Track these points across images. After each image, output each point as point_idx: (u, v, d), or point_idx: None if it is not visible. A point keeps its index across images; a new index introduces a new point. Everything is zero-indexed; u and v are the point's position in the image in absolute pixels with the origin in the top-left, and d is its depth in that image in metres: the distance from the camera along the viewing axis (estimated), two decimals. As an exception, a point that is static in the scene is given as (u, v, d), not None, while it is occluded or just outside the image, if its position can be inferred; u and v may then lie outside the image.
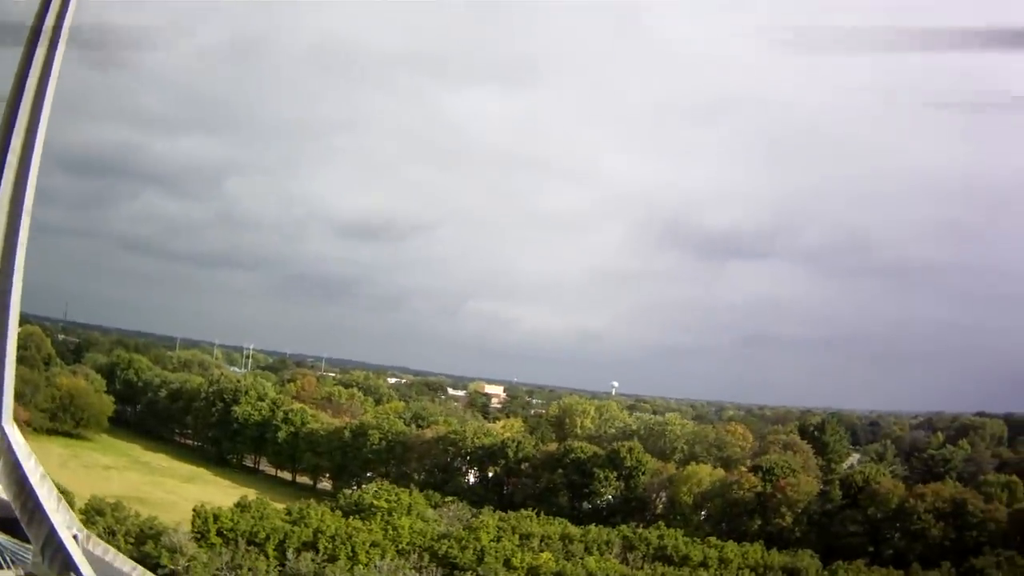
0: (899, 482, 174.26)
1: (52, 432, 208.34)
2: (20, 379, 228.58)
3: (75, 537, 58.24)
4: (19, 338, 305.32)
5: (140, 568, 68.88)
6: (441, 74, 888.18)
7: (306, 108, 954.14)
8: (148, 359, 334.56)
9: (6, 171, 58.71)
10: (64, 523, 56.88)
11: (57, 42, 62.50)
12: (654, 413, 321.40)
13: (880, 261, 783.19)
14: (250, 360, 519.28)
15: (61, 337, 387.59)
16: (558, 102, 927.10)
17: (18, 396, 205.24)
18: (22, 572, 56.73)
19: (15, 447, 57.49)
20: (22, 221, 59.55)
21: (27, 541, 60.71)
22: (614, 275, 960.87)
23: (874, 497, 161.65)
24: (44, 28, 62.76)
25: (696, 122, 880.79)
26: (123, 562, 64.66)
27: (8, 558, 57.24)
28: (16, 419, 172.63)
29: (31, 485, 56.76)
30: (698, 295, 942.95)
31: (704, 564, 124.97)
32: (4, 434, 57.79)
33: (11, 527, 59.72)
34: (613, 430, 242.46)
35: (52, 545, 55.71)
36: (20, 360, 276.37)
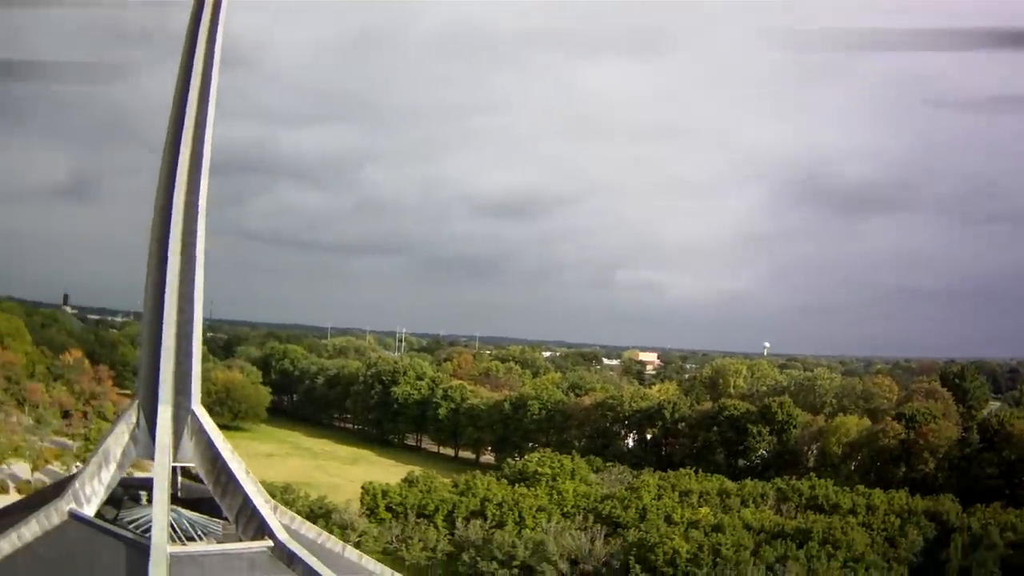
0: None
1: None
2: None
3: (264, 505, 63.64)
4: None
5: (325, 533, 73.61)
6: (573, 48, 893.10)
7: (439, 92, 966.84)
8: (302, 349, 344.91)
9: (178, 176, 63.15)
10: (255, 492, 61.91)
11: (213, 48, 66.55)
12: (805, 371, 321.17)
13: (1015, 208, 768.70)
14: (403, 344, 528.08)
15: (209, 335, 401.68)
16: (689, 69, 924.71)
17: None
18: (214, 541, 61.69)
19: (206, 426, 62.70)
20: (198, 223, 64.10)
21: (214, 516, 66.43)
22: (756, 237, 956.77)
23: (1008, 440, 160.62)
24: (199, 34, 66.61)
25: (824, 80, 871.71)
26: (308, 528, 69.31)
27: (199, 531, 62.25)
28: None
29: (224, 459, 62.03)
30: (839, 251, 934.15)
31: (853, 511, 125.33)
32: (196, 415, 62.88)
33: (193, 506, 64.81)
34: (765, 388, 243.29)
35: (246, 513, 60.77)
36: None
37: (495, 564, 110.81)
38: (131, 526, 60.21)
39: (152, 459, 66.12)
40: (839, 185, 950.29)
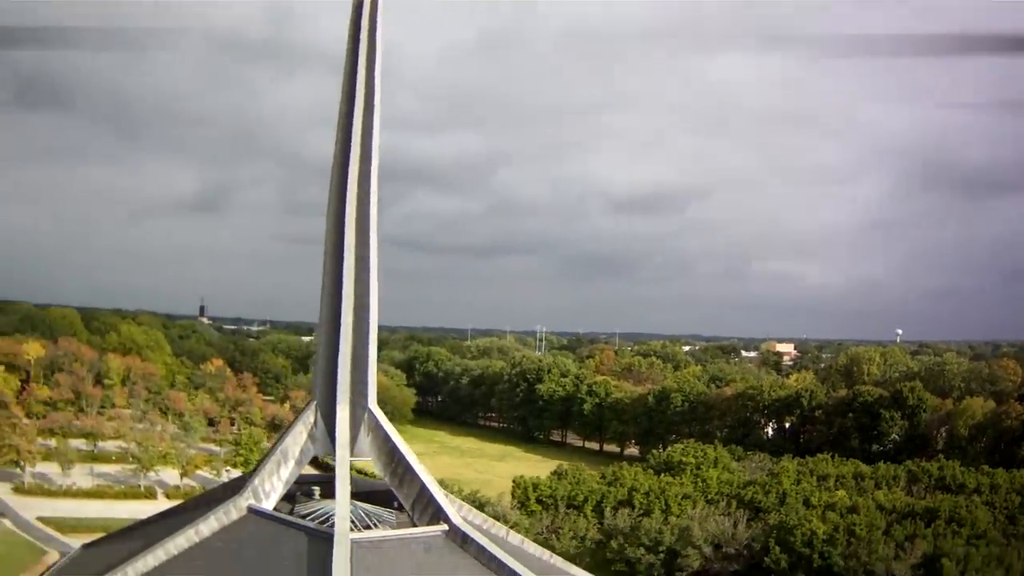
0: None
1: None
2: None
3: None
4: (314, 344, 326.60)
5: (490, 520, 79.48)
6: (697, 43, 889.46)
7: (567, 92, 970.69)
8: (446, 351, 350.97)
9: (349, 188, 69.34)
10: (430, 481, 68.59)
11: (374, 58, 72.46)
12: (935, 356, 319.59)
13: None
14: (543, 342, 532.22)
15: None
16: (811, 59, 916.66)
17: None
18: (388, 528, 68.10)
19: (382, 423, 69.54)
20: (371, 233, 69.96)
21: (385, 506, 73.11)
22: (884, 224, 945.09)
23: None
24: (359, 49, 72.37)
25: (944, 64, 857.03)
26: (475, 515, 75.19)
27: (373, 520, 68.63)
28: None
29: (400, 452, 68.86)
30: (966, 235, 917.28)
31: (977, 491, 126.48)
32: (372, 413, 69.70)
33: (364, 499, 71.19)
34: (897, 374, 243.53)
35: (422, 501, 67.27)
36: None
37: (642, 550, 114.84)
38: (308, 519, 66.95)
39: (329, 456, 73.40)
40: (964, 166, 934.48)
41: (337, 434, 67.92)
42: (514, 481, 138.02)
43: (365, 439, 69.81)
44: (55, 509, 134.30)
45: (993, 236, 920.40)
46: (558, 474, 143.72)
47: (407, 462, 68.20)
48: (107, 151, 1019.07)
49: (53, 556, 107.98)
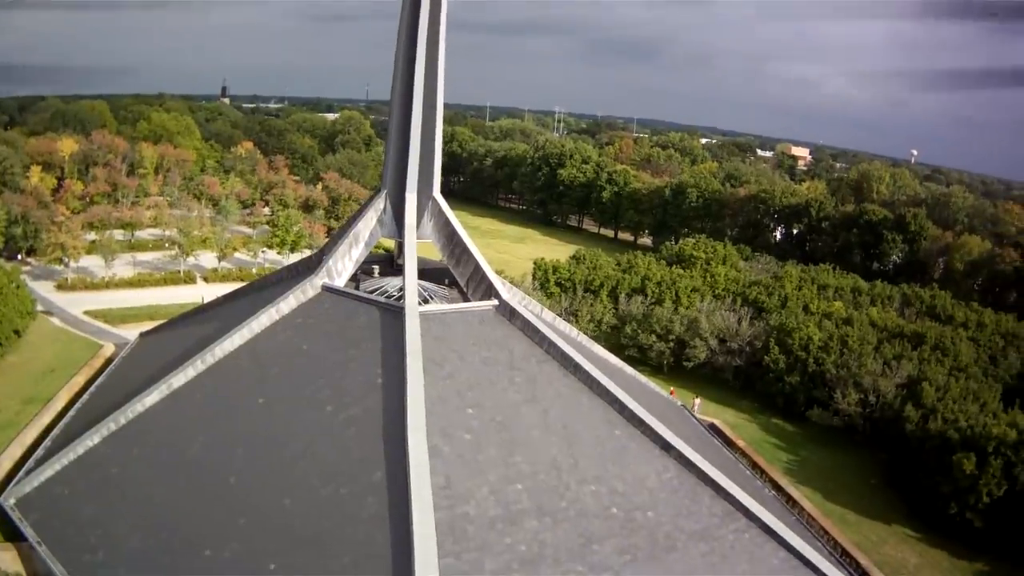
0: None
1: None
2: (348, 161, 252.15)
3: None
4: (340, 123, 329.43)
5: (528, 297, 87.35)
6: None
7: None
8: (469, 131, 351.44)
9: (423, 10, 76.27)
10: (484, 262, 76.24)
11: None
12: (948, 185, 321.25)
13: None
14: (561, 124, 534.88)
15: (372, 117, 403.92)
16: None
17: (348, 175, 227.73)
18: (445, 303, 75.98)
19: (444, 209, 76.86)
20: (441, 23, 76.46)
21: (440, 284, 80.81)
22: (913, 42, 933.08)
23: None
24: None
25: None
26: (517, 292, 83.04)
27: (430, 295, 76.31)
28: (351, 194, 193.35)
29: (460, 236, 76.23)
30: (996, 65, 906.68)
31: (964, 325, 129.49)
32: (436, 200, 76.94)
33: (424, 277, 78.36)
34: (904, 197, 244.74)
35: (476, 278, 74.54)
36: (344, 144, 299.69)
37: (654, 337, 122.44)
38: (373, 294, 73.76)
39: (394, 238, 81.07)
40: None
41: (406, 218, 74.25)
42: (535, 263, 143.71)
43: (428, 224, 77.04)
44: (100, 301, 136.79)
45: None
46: (576, 259, 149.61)
47: (464, 244, 75.79)
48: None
49: (109, 348, 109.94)
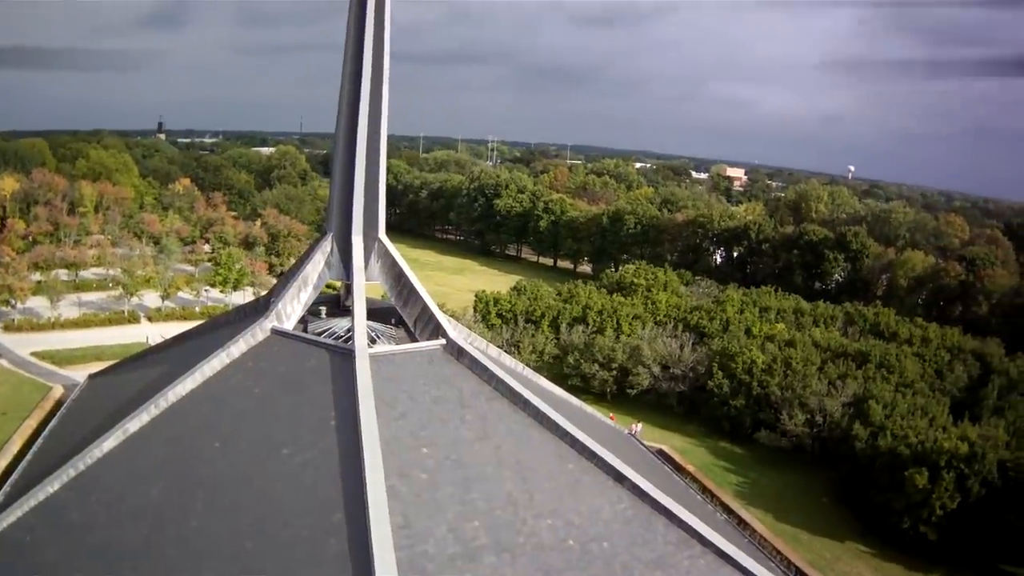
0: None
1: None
2: (285, 196, 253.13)
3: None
4: (275, 157, 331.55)
5: (473, 334, 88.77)
6: None
7: None
8: (404, 163, 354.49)
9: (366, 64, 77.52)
10: (431, 301, 77.78)
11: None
12: (887, 200, 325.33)
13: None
14: (495, 153, 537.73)
15: (307, 150, 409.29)
16: None
17: (286, 211, 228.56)
18: (393, 343, 77.25)
19: (390, 250, 78.30)
20: (384, 76, 77.78)
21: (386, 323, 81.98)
22: (849, 60, 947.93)
23: None
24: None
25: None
26: (462, 329, 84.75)
27: (378, 335, 77.56)
28: (290, 231, 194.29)
29: (406, 276, 77.73)
30: (931, 83, 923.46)
31: (909, 341, 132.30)
32: (382, 242, 78.38)
33: (370, 317, 79.55)
34: (844, 215, 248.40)
35: (424, 318, 75.89)
36: (280, 179, 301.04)
37: (596, 366, 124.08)
38: (322, 336, 74.90)
39: (342, 280, 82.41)
40: (935, 13, 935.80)
41: (354, 261, 75.88)
42: (476, 296, 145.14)
43: (375, 265, 78.61)
44: (47, 342, 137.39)
45: (959, 88, 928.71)
46: (517, 290, 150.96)
47: (412, 285, 77.36)
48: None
49: (59, 390, 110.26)
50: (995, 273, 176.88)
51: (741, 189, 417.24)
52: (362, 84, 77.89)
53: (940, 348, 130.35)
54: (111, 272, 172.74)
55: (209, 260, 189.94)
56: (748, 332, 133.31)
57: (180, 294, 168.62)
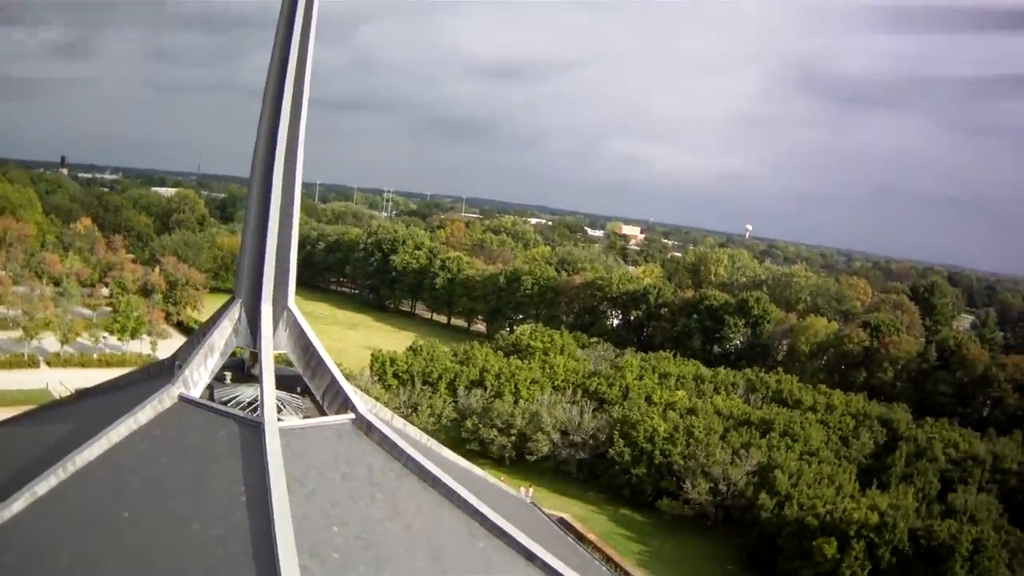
0: (985, 350, 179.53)
1: (215, 290, 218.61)
2: (183, 242, 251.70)
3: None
4: (175, 201, 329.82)
5: (379, 405, 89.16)
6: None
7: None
8: (301, 213, 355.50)
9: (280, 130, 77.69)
10: (339, 374, 78.05)
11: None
12: (785, 260, 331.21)
13: (1015, 121, 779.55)
14: (390, 203, 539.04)
15: (205, 193, 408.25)
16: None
17: (183, 259, 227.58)
18: (300, 413, 77.33)
19: (299, 320, 78.54)
20: (297, 163, 77.94)
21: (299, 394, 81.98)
22: (751, 119, 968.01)
23: (963, 362, 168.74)
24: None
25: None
26: (367, 399, 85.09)
27: (283, 403, 77.50)
28: (188, 279, 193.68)
29: (314, 347, 78.04)
30: (832, 143, 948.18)
31: (813, 408, 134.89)
32: (291, 311, 78.67)
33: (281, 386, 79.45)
34: (744, 279, 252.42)
35: (332, 391, 76.17)
36: (179, 223, 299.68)
37: (495, 432, 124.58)
38: (228, 404, 74.71)
39: (249, 347, 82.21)
40: (840, 75, 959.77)
41: (262, 330, 75.83)
42: (372, 355, 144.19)
43: (283, 334, 78.75)
44: None
45: (861, 148, 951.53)
46: (413, 350, 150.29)
47: (320, 357, 77.55)
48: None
49: None
50: (900, 339, 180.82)
51: (637, 248, 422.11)
52: (278, 137, 77.48)
53: (845, 415, 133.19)
54: (11, 313, 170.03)
55: (108, 305, 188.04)
56: (648, 399, 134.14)
57: (79, 339, 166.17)
